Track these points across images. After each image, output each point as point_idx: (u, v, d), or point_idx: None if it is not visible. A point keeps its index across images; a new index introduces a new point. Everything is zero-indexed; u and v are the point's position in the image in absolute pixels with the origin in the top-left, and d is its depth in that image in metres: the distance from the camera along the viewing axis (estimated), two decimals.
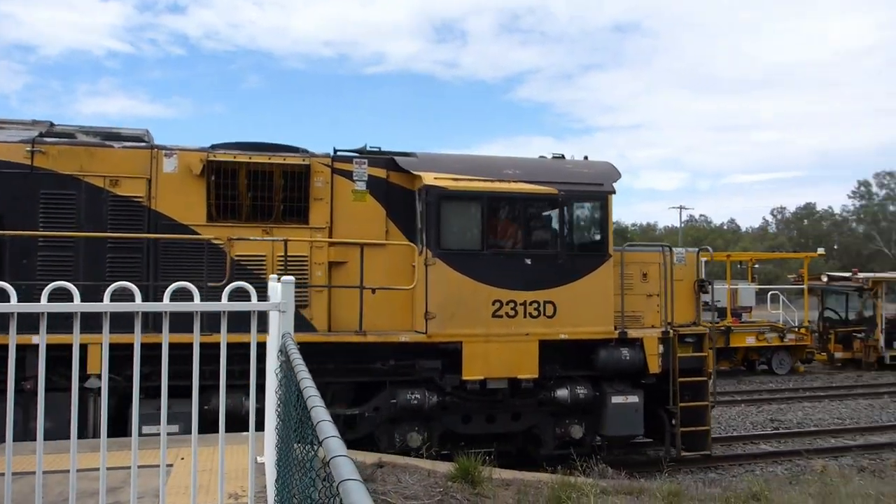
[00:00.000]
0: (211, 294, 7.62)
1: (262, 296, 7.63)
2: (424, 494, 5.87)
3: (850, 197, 79.65)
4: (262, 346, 4.61)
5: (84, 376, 7.49)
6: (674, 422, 9.21)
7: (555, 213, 8.81)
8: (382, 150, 9.08)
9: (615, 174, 9.20)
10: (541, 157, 9.67)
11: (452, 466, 6.51)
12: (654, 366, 8.98)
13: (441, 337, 8.30)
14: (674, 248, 9.57)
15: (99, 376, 6.89)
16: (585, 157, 9.67)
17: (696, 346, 9.41)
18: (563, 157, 9.55)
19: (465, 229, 8.50)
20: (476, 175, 8.67)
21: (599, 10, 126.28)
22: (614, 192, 8.99)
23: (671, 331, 9.10)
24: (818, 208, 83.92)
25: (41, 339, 3.61)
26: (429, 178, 8.44)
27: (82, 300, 6.99)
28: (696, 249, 9.89)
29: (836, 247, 72.71)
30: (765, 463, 10.21)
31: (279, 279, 4.09)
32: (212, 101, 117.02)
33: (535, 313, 8.56)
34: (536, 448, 9.14)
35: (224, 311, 3.90)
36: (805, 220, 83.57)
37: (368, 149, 9.03)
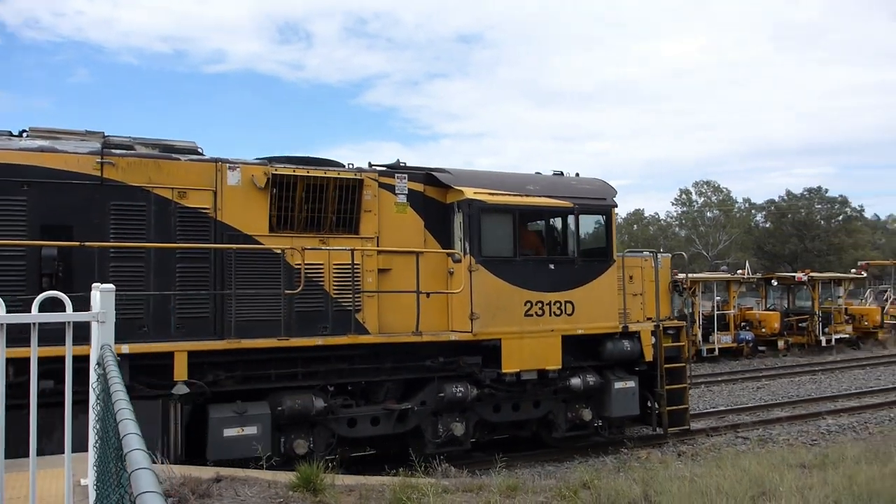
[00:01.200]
0: (274, 300, 8.23)
1: (319, 301, 8.37)
2: None
3: (673, 204, 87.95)
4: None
5: (171, 383, 7.76)
6: (658, 403, 10.84)
7: (571, 224, 10.12)
8: (407, 165, 9.96)
9: (613, 190, 10.68)
10: (536, 173, 10.95)
11: (294, 475, 6.42)
12: (649, 354, 10.56)
13: (484, 335, 9.34)
14: (647, 253, 11.22)
15: (185, 383, 7.37)
16: (577, 174, 11.08)
17: (675, 337, 11.11)
18: (562, 173, 10.90)
19: (501, 238, 9.59)
20: (505, 190, 9.80)
21: (445, 19, 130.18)
22: (616, 206, 10.47)
23: (660, 324, 10.73)
24: (646, 214, 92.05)
25: None
26: (470, 193, 9.45)
27: (153, 309, 7.46)
28: (670, 255, 11.62)
29: (661, 250, 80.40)
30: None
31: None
32: (34, 94, 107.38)
33: (557, 312, 9.82)
34: (549, 433, 10.40)
35: (35, 323, 3.62)
36: (635, 226, 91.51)
37: (402, 164, 9.88)
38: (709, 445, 9.60)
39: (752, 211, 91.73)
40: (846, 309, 26.83)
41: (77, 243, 7.51)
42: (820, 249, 78.88)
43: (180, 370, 7.78)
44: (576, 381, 10.06)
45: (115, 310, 6.17)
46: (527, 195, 9.88)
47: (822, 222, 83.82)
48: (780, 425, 12.54)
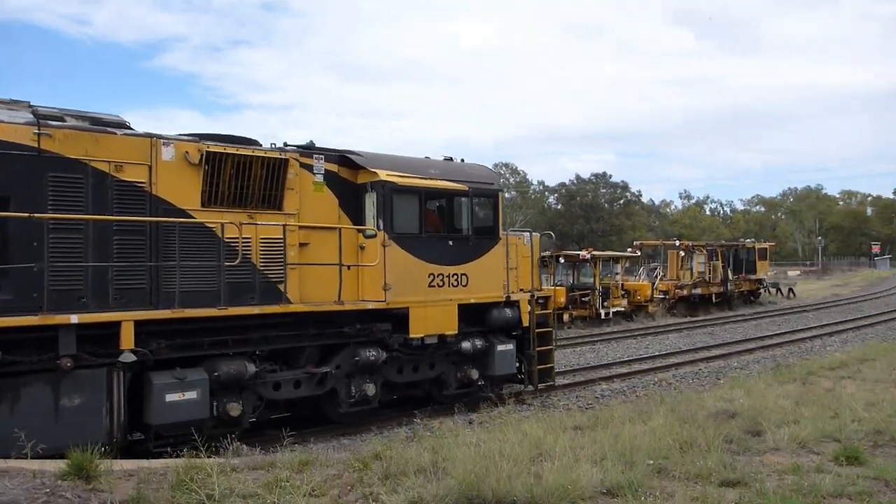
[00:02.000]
0: (207, 272, 8.76)
1: (248, 273, 9.02)
2: (25, 498, 5.34)
3: None
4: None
5: (115, 352, 8.04)
6: (529, 363, 12.54)
7: (465, 205, 11.41)
8: (319, 146, 10.70)
9: (497, 176, 12.13)
10: (426, 157, 12.11)
11: (65, 463, 6.14)
12: (526, 321, 12.19)
13: (396, 304, 10.39)
14: (520, 232, 12.85)
15: (132, 351, 7.88)
16: (462, 160, 12.40)
17: (543, 306, 12.85)
18: (451, 159, 12.15)
19: (409, 217, 10.65)
20: (411, 173, 10.86)
21: None
22: (503, 190, 11.91)
23: (534, 294, 12.41)
24: None
25: None
26: (383, 175, 10.40)
27: (91, 281, 7.88)
28: (539, 234, 13.31)
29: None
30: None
31: None
32: None
33: (455, 283, 11.11)
34: (440, 391, 11.71)
35: None
36: None
37: (317, 145, 10.58)
38: (497, 413, 9.81)
39: (546, 193, 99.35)
40: (622, 284, 29.36)
41: (27, 214, 7.54)
42: (604, 230, 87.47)
43: (127, 339, 8.07)
44: (466, 345, 11.43)
45: (56, 281, 6.78)
46: (430, 178, 11.03)
47: (606, 205, 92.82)
48: (562, 392, 13.41)
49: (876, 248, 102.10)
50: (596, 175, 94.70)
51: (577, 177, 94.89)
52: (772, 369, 14.25)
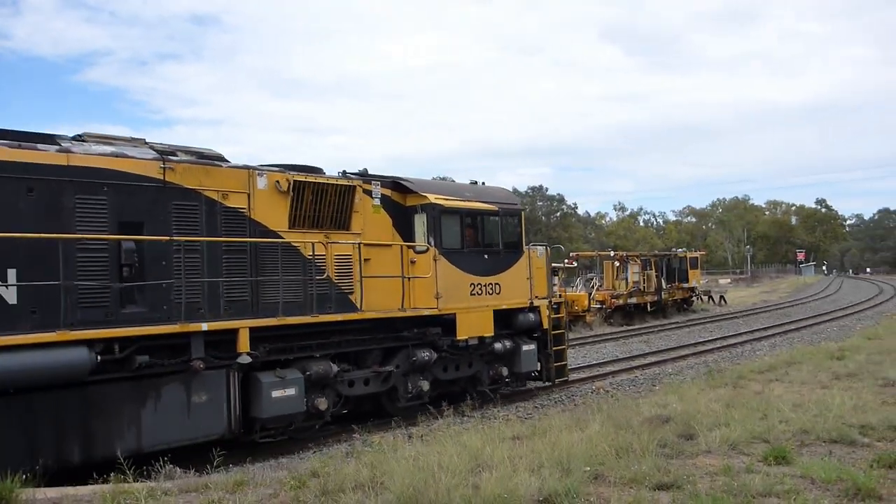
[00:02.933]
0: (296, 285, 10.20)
1: (326, 286, 10.49)
2: None
3: None
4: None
5: (232, 355, 9.40)
6: (547, 361, 14.27)
7: (497, 223, 13.10)
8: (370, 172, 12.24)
9: (517, 198, 13.86)
10: (449, 179, 13.76)
11: None
12: (546, 323, 13.94)
13: (446, 310, 11.97)
14: (535, 246, 14.61)
15: (248, 353, 9.32)
16: (483, 183, 14.10)
17: (556, 310, 14.62)
18: (476, 182, 13.85)
19: (453, 234, 12.27)
20: (450, 195, 12.50)
21: None
22: (525, 210, 13.66)
23: (551, 300, 14.18)
24: None
25: None
26: (432, 198, 12.01)
27: (208, 294, 9.19)
28: (549, 246, 15.10)
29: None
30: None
31: None
32: None
33: (490, 291, 12.77)
34: (474, 387, 13.31)
35: None
36: None
37: (370, 172, 12.12)
38: (436, 426, 9.85)
39: None
40: (560, 295, 31.25)
41: (167, 238, 8.87)
42: (542, 242, 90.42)
43: (243, 343, 9.44)
44: (498, 346, 13.08)
45: (181, 295, 8.32)
46: (466, 200, 12.69)
47: (543, 218, 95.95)
48: (501, 403, 13.12)
49: (801, 256, 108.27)
50: (533, 188, 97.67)
51: (515, 190, 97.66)
52: (704, 374, 14.66)
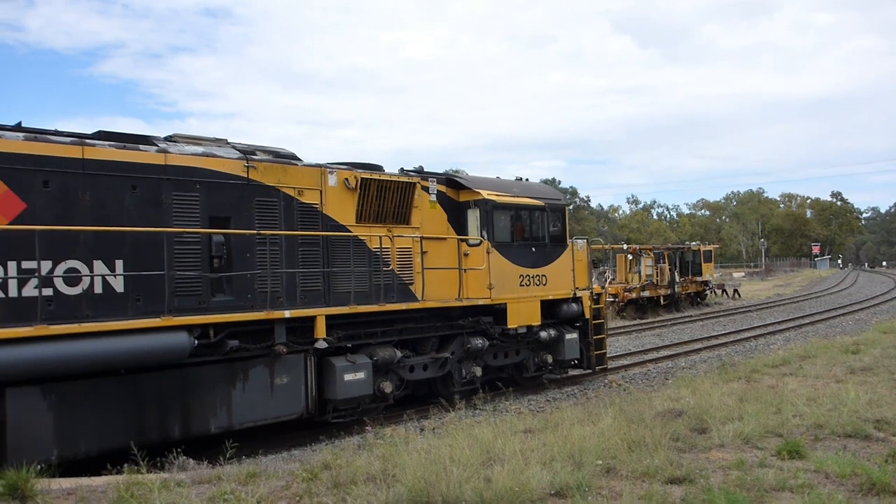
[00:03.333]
0: (362, 275, 10.93)
1: (389, 277, 11.19)
2: None
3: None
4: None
5: (311, 340, 10.17)
6: (588, 349, 15.00)
7: (543, 218, 13.82)
8: (425, 170, 12.96)
9: (560, 194, 14.58)
10: (498, 177, 14.46)
11: None
12: (588, 313, 14.67)
13: (497, 300, 12.71)
14: (577, 239, 15.32)
15: (325, 339, 10.06)
16: (527, 179, 14.81)
17: (596, 301, 15.34)
18: (521, 179, 14.55)
19: (504, 228, 13.01)
20: (500, 191, 13.22)
21: None
22: (569, 205, 14.37)
23: (592, 291, 14.90)
24: None
25: None
26: (485, 194, 12.74)
27: (286, 284, 9.88)
28: (589, 239, 15.81)
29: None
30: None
31: None
32: None
33: (537, 283, 13.51)
34: (520, 374, 14.06)
35: None
36: None
37: (426, 170, 12.85)
38: (448, 419, 9.85)
39: None
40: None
41: (252, 231, 9.66)
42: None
43: (320, 329, 10.22)
44: (544, 334, 13.82)
45: (264, 285, 9.00)
46: (515, 196, 13.41)
47: None
48: (513, 396, 12.71)
49: (816, 249, 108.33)
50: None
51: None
52: (717, 368, 14.61)
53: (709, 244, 45.69)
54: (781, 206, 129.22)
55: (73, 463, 8.16)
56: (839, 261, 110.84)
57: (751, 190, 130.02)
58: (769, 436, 7.89)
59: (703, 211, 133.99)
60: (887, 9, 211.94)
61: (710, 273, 40.97)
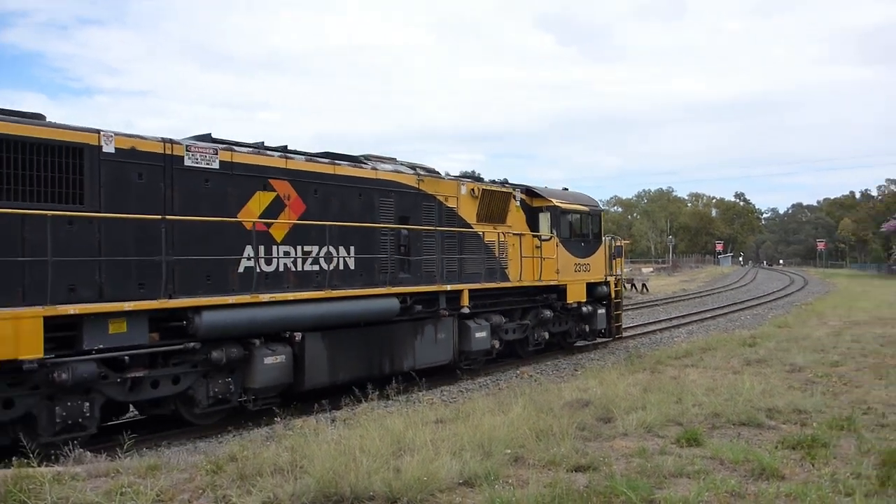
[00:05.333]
0: (480, 261, 15.30)
1: (494, 263, 15.64)
2: None
3: None
4: None
5: (458, 307, 14.41)
6: (610, 321, 19.79)
7: (589, 220, 18.47)
8: (509, 181, 17.34)
9: (597, 201, 19.29)
10: (545, 186, 18.97)
11: None
12: (613, 294, 19.47)
13: (561, 282, 17.26)
14: (606, 237, 20.04)
15: (468, 306, 14.39)
16: (566, 189, 19.41)
17: (616, 285, 20.15)
18: (566, 189, 19.15)
19: (565, 228, 17.57)
20: (563, 200, 17.77)
21: None
22: (605, 210, 19.10)
23: (615, 277, 19.72)
24: None
25: None
26: (555, 202, 17.26)
27: (440, 266, 14.30)
28: (613, 237, 20.57)
29: None
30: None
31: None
32: None
33: (584, 269, 18.16)
34: (565, 340, 18.68)
35: None
36: None
37: (509, 182, 17.24)
38: (361, 410, 10.06)
39: None
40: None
41: (436, 227, 13.83)
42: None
43: (465, 299, 14.48)
44: (585, 309, 18.45)
45: (428, 267, 13.04)
46: (571, 203, 18.00)
47: None
48: (426, 387, 13.07)
49: (719, 247, 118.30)
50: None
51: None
52: (624, 360, 15.68)
53: (620, 240, 50.88)
54: (689, 204, 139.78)
55: (333, 387, 12.09)
56: (740, 258, 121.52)
57: (661, 188, 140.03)
58: (670, 424, 8.37)
59: (615, 208, 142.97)
60: (792, 18, 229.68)
61: (620, 268, 45.68)
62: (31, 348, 8.27)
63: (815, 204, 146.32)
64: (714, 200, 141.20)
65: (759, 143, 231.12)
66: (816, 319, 23.29)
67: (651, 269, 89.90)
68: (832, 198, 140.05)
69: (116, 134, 9.63)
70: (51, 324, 8.54)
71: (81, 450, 8.02)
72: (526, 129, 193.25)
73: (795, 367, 12.73)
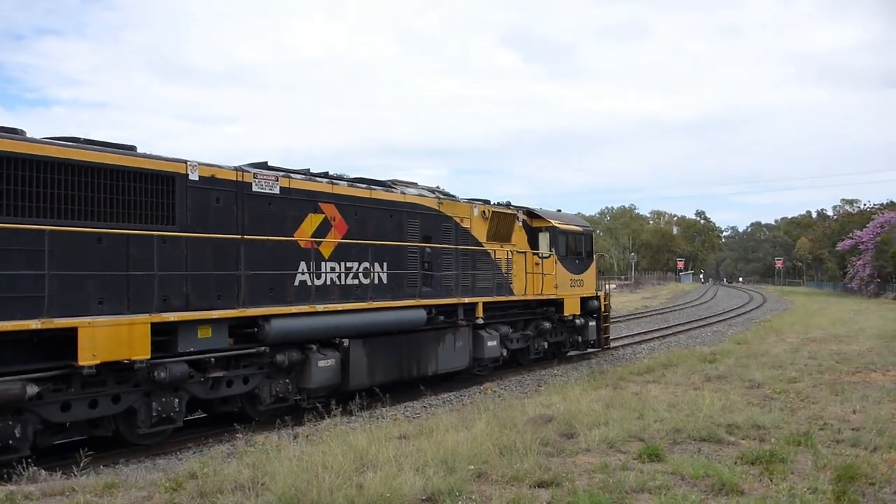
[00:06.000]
0: (490, 277, 17.09)
1: (501, 278, 17.50)
2: None
3: None
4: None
5: (473, 318, 16.11)
6: (599, 333, 21.66)
7: (582, 240, 20.37)
8: (512, 203, 19.14)
9: (588, 222, 21.22)
10: (541, 208, 20.82)
11: None
12: (603, 308, 21.36)
13: (559, 296, 19.09)
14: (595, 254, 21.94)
15: (482, 317, 16.20)
16: (559, 210, 21.31)
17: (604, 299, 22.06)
18: (559, 210, 21.04)
19: (561, 246, 19.43)
20: (560, 221, 19.64)
21: None
22: (595, 231, 21.02)
23: (604, 292, 21.63)
24: None
25: None
26: (553, 223, 19.12)
27: (455, 280, 16.21)
28: (603, 255, 22.48)
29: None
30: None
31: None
32: None
33: (578, 285, 20.01)
34: (560, 350, 20.47)
35: None
36: None
37: (512, 203, 19.04)
38: (324, 425, 10.00)
39: None
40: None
41: (453, 246, 15.52)
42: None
43: (480, 311, 16.19)
44: (578, 321, 20.27)
45: (447, 281, 14.89)
46: (567, 224, 19.88)
47: None
48: (389, 404, 12.67)
49: (681, 264, 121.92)
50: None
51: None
52: (587, 376, 16.13)
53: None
54: (651, 222, 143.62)
55: (367, 389, 13.65)
56: (701, 275, 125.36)
57: (624, 206, 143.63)
58: (632, 440, 8.46)
59: None
60: (753, 40, 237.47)
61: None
62: (142, 350, 9.74)
63: (773, 223, 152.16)
64: (675, 218, 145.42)
65: (719, 162, 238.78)
66: (775, 336, 23.90)
67: (614, 286, 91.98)
68: (790, 217, 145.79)
69: (200, 164, 11.15)
70: (154, 329, 10.00)
71: (35, 468, 8.00)
72: (490, 145, 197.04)
73: (754, 384, 12.97)
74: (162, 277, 10.24)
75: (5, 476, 7.92)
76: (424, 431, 8.92)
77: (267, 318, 11.52)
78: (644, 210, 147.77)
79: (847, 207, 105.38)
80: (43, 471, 8.00)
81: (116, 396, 9.95)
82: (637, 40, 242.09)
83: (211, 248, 11.02)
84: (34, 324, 8.73)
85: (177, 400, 10.56)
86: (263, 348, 11.50)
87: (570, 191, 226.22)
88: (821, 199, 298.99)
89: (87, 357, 9.14)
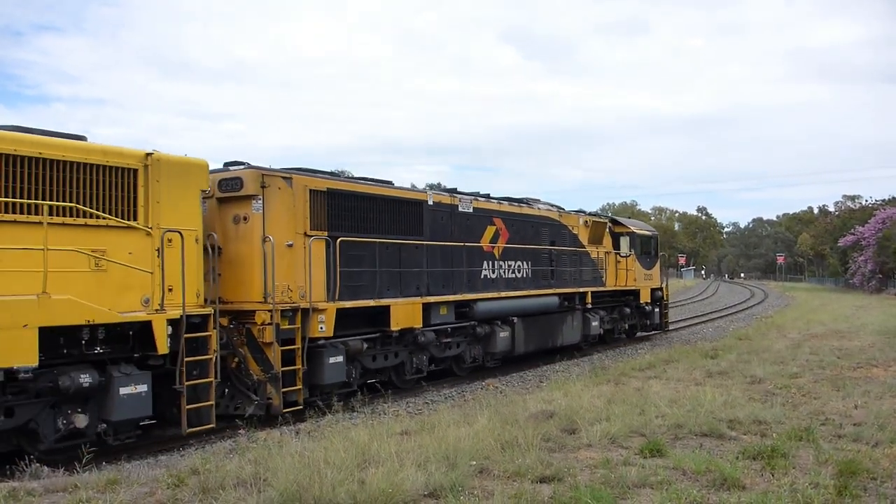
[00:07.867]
0: (590, 272, 22.98)
1: (598, 273, 23.44)
2: None
3: None
4: None
5: (582, 304, 21.92)
6: (651, 318, 27.49)
7: (650, 241, 26.23)
8: (599, 212, 24.93)
9: (654, 228, 27.09)
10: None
11: None
12: (666, 297, 27.30)
13: (637, 287, 24.93)
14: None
15: (590, 303, 22.16)
16: (581, 210, 27.12)
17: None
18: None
19: (639, 247, 25.27)
20: (637, 227, 25.50)
21: None
22: (658, 234, 26.91)
23: (666, 284, 27.54)
24: None
25: None
26: (634, 229, 24.98)
27: (569, 274, 22.07)
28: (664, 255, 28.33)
29: None
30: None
31: None
32: None
33: (650, 279, 25.85)
34: (632, 330, 26.31)
35: None
36: None
37: (599, 212, 24.83)
38: (325, 422, 10.21)
39: None
40: None
41: (569, 248, 21.32)
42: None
43: (588, 298, 21.99)
44: (648, 308, 26.06)
45: (562, 275, 21.09)
46: (642, 230, 25.76)
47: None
48: (391, 399, 13.84)
49: (682, 260, 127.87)
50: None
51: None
52: (589, 372, 16.70)
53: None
54: (652, 218, 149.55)
55: (522, 356, 19.29)
56: (702, 271, 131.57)
57: (625, 202, 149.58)
58: (634, 435, 8.60)
59: None
60: (754, 36, 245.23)
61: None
62: (418, 321, 15.40)
63: (774, 219, 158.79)
64: (677, 214, 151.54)
65: (720, 158, 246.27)
66: (776, 332, 24.67)
67: None
68: (791, 213, 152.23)
69: (435, 192, 16.82)
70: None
71: (38, 464, 8.29)
72: (490, 142, 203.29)
73: (756, 379, 13.28)
74: (419, 272, 15.88)
75: (8, 473, 8.35)
76: (426, 427, 9.17)
77: (475, 301, 17.22)
78: (645, 206, 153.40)
79: (849, 203, 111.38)
80: (45, 467, 8.27)
81: (387, 355, 15.52)
82: (637, 37, 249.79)
83: (439, 252, 16.68)
84: (371, 302, 14.37)
85: (425, 357, 16.20)
86: (473, 322, 17.19)
87: (570, 187, 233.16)
88: (822, 195, 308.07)
89: (396, 325, 14.79)
